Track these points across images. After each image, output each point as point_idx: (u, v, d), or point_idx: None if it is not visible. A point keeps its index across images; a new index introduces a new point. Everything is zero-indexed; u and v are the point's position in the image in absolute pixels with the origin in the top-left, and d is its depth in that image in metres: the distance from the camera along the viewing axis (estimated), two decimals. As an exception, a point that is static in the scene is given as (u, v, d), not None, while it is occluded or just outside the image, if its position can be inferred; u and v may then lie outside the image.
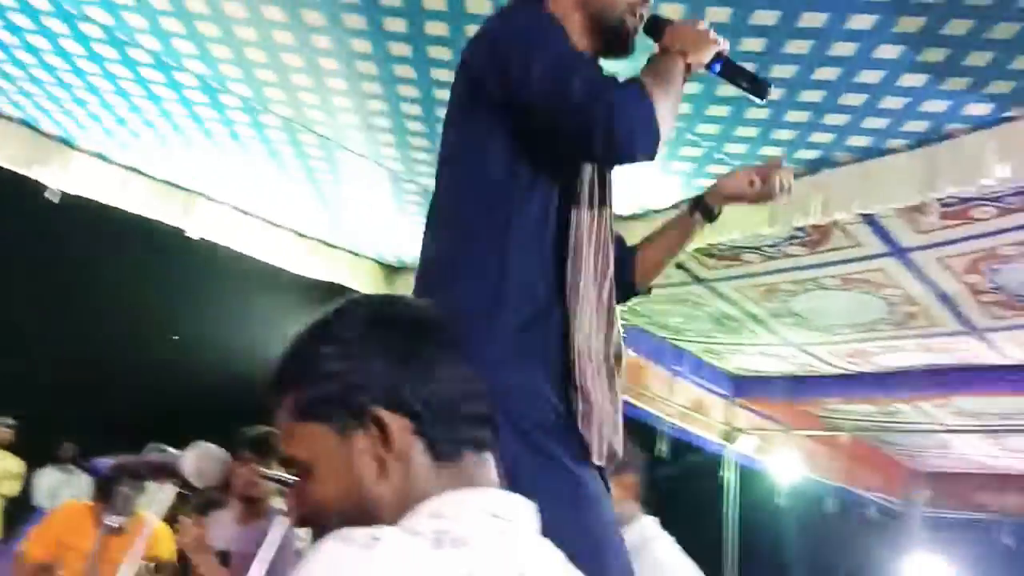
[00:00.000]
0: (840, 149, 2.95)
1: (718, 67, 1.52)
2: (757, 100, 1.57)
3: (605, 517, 1.36)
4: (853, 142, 2.90)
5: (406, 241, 4.46)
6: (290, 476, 2.82)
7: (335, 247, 4.63)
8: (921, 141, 2.80)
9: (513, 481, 0.94)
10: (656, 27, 1.55)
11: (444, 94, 2.89)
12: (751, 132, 2.96)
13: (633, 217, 3.63)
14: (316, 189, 3.93)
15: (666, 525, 2.67)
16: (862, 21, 2.32)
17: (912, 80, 2.54)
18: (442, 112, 3.02)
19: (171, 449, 1.60)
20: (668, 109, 1.37)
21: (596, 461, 1.37)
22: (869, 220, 3.51)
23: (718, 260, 4.21)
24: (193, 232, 4.05)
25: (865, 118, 2.77)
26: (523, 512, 0.83)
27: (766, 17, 2.35)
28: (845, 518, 6.77)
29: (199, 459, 1.38)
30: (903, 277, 4.09)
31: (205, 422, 3.05)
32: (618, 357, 1.49)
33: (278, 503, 3.37)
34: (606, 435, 1.37)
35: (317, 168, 3.71)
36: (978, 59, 2.41)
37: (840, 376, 5.57)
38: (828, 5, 2.29)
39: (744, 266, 4.24)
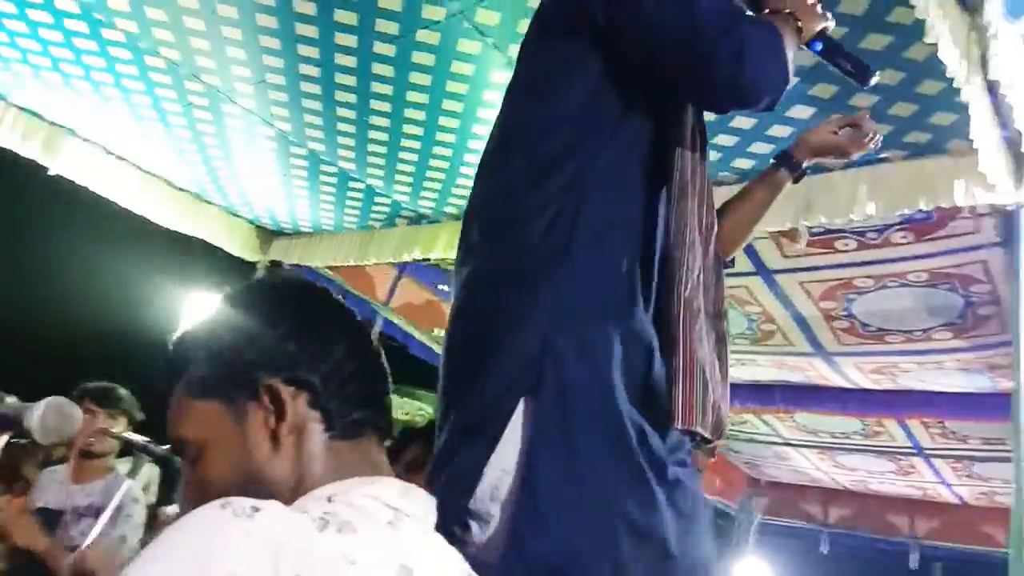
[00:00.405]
0: (726, 169, 3.07)
1: (820, 45, 1.38)
2: (859, 86, 1.45)
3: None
4: (738, 164, 3.02)
5: (286, 205, 4.32)
6: (139, 437, 2.69)
7: (210, 203, 4.43)
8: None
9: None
10: None
11: (347, 60, 2.83)
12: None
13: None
14: (197, 141, 3.74)
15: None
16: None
17: (800, 112, 2.67)
18: (344, 78, 2.98)
19: (13, 399, 1.48)
20: (792, 59, 1.24)
21: (704, 432, 1.20)
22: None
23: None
24: (55, 169, 3.78)
25: (753, 143, 2.89)
26: (422, 505, 0.82)
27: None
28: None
29: (50, 413, 1.27)
30: (765, 296, 4.29)
31: (51, 372, 2.85)
32: (724, 315, 1.36)
33: (121, 466, 3.21)
34: (714, 403, 1.20)
35: (201, 119, 3.53)
36: (862, 100, 2.56)
37: (696, 384, 5.80)
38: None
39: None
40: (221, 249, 4.56)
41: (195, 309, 4.61)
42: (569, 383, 1.08)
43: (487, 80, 2.82)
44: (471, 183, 1.38)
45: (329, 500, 0.75)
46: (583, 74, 1.26)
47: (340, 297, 0.90)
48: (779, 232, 3.33)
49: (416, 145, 3.39)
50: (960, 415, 4.96)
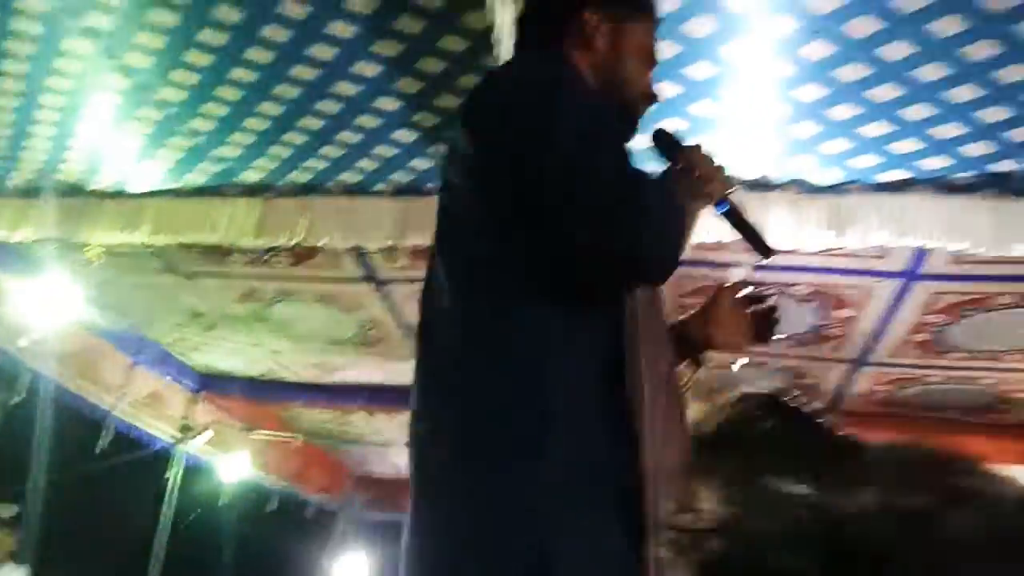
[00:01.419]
0: (331, 180, 3.01)
1: (725, 207, 1.35)
2: (759, 258, 1.40)
3: None
4: (344, 177, 2.98)
5: None
6: None
7: None
8: (403, 191, 2.99)
9: None
10: (669, 143, 1.36)
11: None
12: (248, 139, 2.86)
13: (116, 195, 3.27)
14: None
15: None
16: (366, 68, 2.39)
17: (404, 136, 2.70)
18: None
19: None
20: (686, 235, 1.18)
21: None
22: (355, 247, 3.65)
23: (200, 255, 4.00)
24: None
25: (360, 158, 2.86)
26: None
27: (280, 35, 2.29)
28: (286, 517, 6.97)
29: None
30: (375, 304, 4.34)
31: None
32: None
33: None
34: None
35: None
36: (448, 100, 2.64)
37: (303, 384, 5.73)
38: (346, 45, 2.31)
39: (228, 265, 4.10)
40: None
41: None
42: None
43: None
44: None
45: None
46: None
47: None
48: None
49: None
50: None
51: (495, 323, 1.13)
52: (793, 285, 3.56)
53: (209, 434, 5.82)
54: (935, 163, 2.53)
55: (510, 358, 1.10)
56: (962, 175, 2.57)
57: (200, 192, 3.23)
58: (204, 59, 2.44)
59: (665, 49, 2.09)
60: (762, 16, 2.04)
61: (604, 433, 1.08)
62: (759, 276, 2.99)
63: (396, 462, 7.39)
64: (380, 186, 3.01)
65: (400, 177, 2.94)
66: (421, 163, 2.84)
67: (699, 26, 2.08)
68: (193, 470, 6.05)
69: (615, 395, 1.10)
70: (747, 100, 2.38)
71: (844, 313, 3.76)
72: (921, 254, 3.10)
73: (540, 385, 1.08)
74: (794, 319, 3.83)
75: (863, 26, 2.02)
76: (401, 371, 5.27)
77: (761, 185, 2.73)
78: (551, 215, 1.07)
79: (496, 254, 1.15)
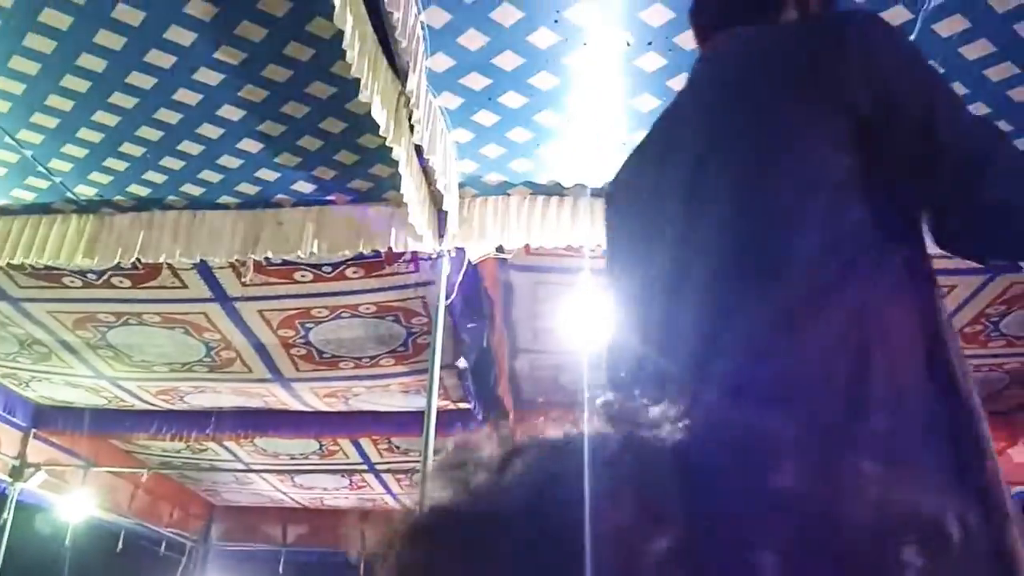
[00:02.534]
0: (173, 193, 2.91)
1: None
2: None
3: None
4: (187, 189, 2.89)
5: None
6: None
7: None
8: (250, 203, 2.92)
9: None
10: None
11: None
12: (81, 152, 2.72)
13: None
14: None
15: None
16: (209, 76, 2.34)
17: (250, 145, 2.64)
18: None
19: None
20: None
21: None
22: (200, 265, 3.52)
23: (33, 279, 3.75)
24: None
25: (202, 169, 2.78)
26: None
27: (114, 42, 2.20)
28: (137, 555, 6.57)
29: None
30: (224, 323, 4.20)
31: None
32: None
33: None
34: None
35: None
36: (310, 143, 2.63)
37: (150, 412, 5.45)
38: (186, 52, 2.25)
39: (62, 290, 3.85)
40: None
41: None
42: None
43: None
44: None
45: None
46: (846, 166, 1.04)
47: None
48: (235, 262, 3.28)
49: None
50: (403, 431, 5.44)
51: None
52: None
53: (42, 476, 5.42)
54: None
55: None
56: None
57: (28, 210, 3.04)
58: (30, 67, 2.31)
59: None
60: None
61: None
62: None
63: (255, 489, 7.14)
64: (225, 198, 2.93)
65: (246, 188, 2.87)
66: (268, 174, 2.79)
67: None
68: (32, 510, 5.61)
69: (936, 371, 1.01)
70: (589, 109, 2.49)
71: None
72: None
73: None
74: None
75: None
76: (255, 393, 5.12)
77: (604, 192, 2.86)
78: (967, 169, 1.01)
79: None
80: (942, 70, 2.01)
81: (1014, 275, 3.71)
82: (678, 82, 2.33)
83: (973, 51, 2.15)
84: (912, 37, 2.02)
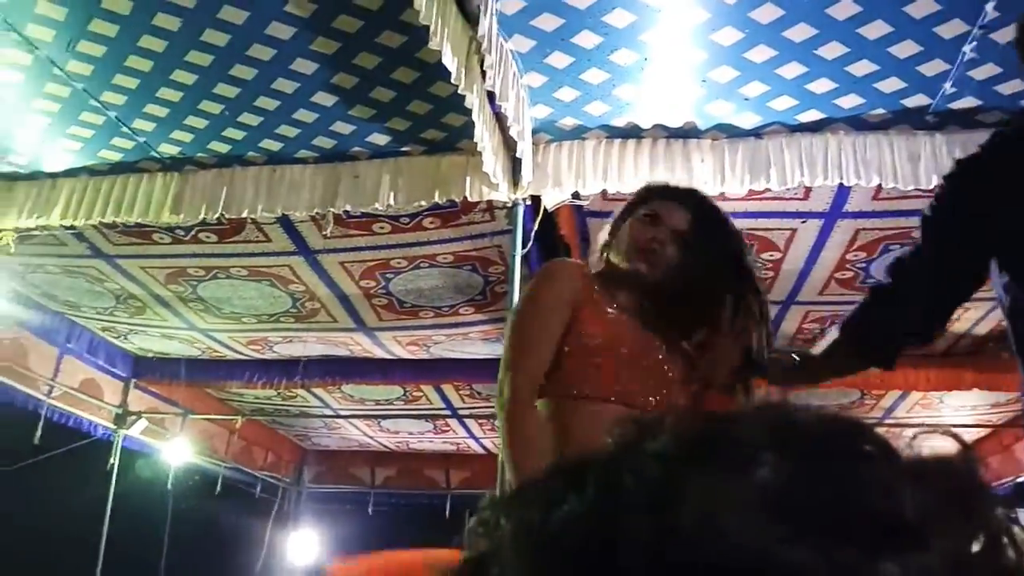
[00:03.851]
0: (253, 149, 2.94)
1: None
2: None
3: None
4: (265, 144, 2.92)
5: None
6: None
7: None
8: (327, 157, 2.93)
9: None
10: None
11: None
12: (162, 112, 2.77)
13: (28, 177, 3.15)
14: None
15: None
16: (280, 30, 2.33)
17: (324, 99, 2.64)
18: None
19: None
20: None
21: None
22: (282, 219, 3.58)
23: (125, 236, 3.88)
24: None
25: (280, 125, 2.80)
26: None
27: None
28: (234, 497, 6.89)
29: None
30: (308, 275, 4.28)
31: None
32: None
33: None
34: None
35: None
36: (382, 95, 2.61)
37: (242, 361, 5.64)
38: (257, 6, 2.24)
39: (153, 246, 3.98)
40: None
41: None
42: None
43: None
44: None
45: None
46: None
47: None
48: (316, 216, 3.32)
49: None
50: (484, 378, 5.50)
51: None
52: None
53: (143, 423, 5.69)
54: (850, 101, 2.59)
55: None
56: (877, 112, 2.64)
57: (115, 170, 3.12)
58: (109, 29, 2.35)
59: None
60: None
61: None
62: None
63: (343, 434, 7.37)
64: (303, 152, 2.95)
65: (322, 142, 2.88)
66: (343, 127, 2.79)
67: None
68: (136, 456, 5.92)
69: None
70: (667, 46, 2.39)
71: (770, 255, 3.85)
72: (843, 192, 3.18)
73: None
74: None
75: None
76: (340, 341, 5.24)
77: (684, 133, 2.76)
78: None
79: None
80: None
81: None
82: (761, 13, 2.21)
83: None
84: None
